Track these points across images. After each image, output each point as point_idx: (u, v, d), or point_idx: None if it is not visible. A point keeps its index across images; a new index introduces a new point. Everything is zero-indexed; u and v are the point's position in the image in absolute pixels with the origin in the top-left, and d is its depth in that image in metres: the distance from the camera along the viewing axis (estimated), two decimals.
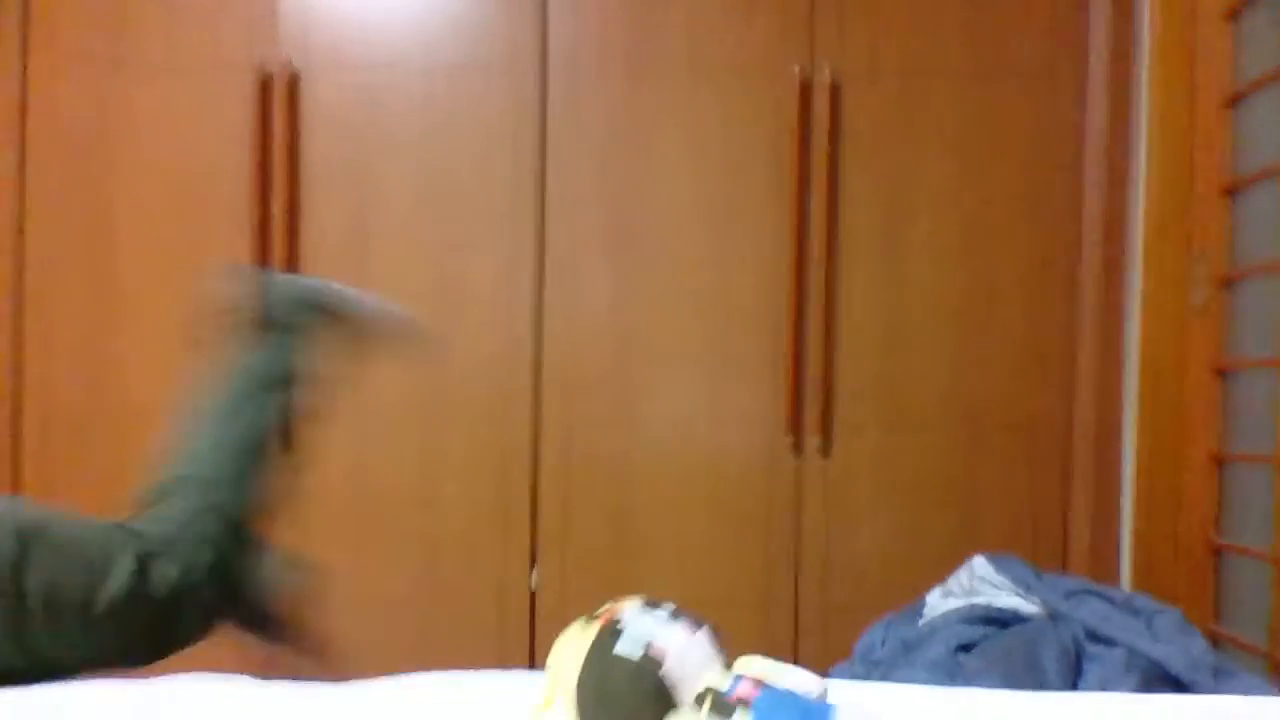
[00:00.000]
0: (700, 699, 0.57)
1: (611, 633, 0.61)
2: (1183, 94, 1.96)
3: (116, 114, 2.19)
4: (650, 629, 0.61)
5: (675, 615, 0.62)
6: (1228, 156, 1.94)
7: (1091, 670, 1.53)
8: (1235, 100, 1.92)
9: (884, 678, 1.55)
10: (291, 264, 2.16)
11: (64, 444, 2.20)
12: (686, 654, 0.60)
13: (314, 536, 2.18)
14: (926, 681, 1.51)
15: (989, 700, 0.73)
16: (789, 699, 0.56)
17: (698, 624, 0.61)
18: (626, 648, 0.60)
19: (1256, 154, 1.88)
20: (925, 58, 2.16)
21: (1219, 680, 1.47)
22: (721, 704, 0.56)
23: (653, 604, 0.63)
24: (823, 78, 2.13)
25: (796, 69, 2.13)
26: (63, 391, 2.20)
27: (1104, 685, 1.48)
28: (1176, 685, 1.47)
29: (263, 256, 2.15)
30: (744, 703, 0.56)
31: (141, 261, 2.19)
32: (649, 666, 0.59)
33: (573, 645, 0.62)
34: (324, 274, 2.17)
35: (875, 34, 2.15)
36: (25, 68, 2.19)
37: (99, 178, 2.19)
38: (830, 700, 0.57)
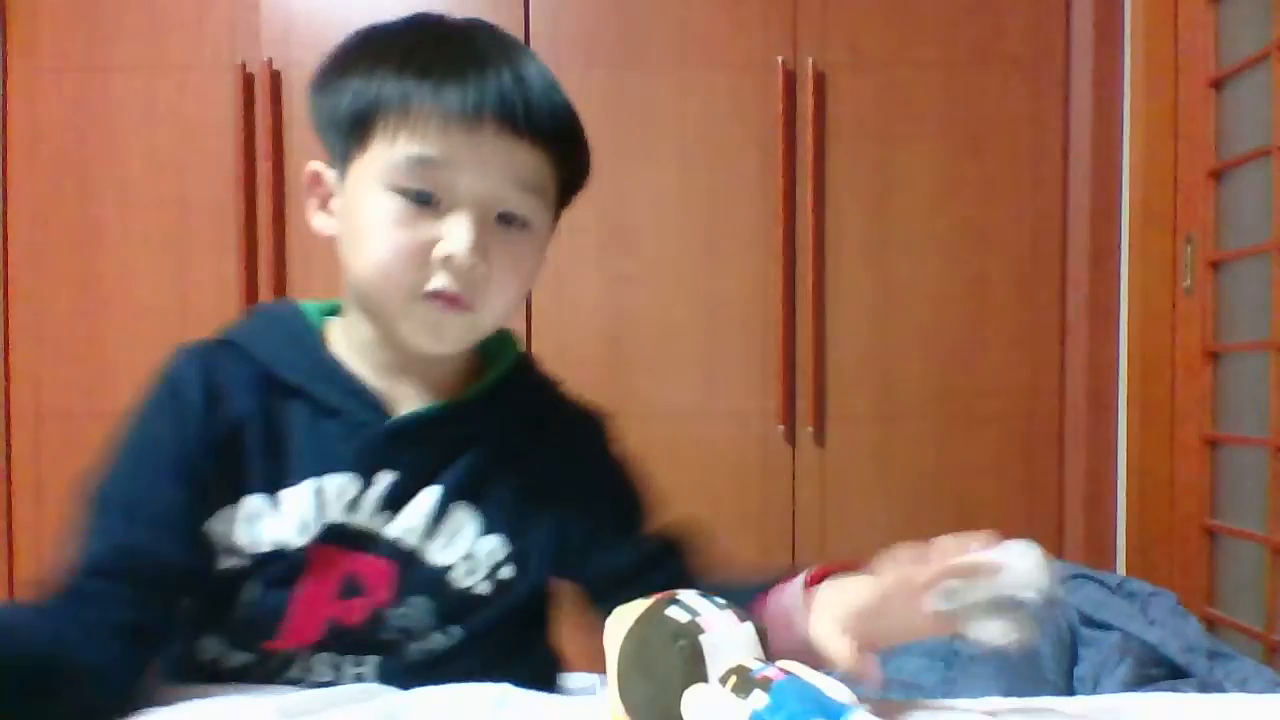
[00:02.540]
0: (727, 675, 0.59)
1: (668, 601, 0.64)
2: (1167, 77, 1.96)
3: (98, 114, 2.17)
4: (703, 605, 0.64)
5: (725, 606, 0.64)
6: (1213, 139, 1.94)
7: (1087, 655, 1.53)
8: (1220, 82, 1.92)
9: (881, 665, 1.55)
10: (279, 263, 2.15)
11: (53, 444, 2.19)
12: (728, 635, 0.62)
13: None
14: (923, 669, 1.51)
15: (1012, 709, 0.73)
16: (810, 690, 0.57)
17: (745, 617, 0.63)
18: (675, 611, 0.63)
19: (1242, 136, 1.88)
20: (909, 47, 2.15)
21: (1214, 663, 1.47)
22: (745, 681, 0.57)
23: (707, 595, 0.65)
24: (806, 68, 2.12)
25: (780, 59, 2.12)
26: (51, 392, 2.19)
27: (1099, 670, 1.48)
28: (1172, 669, 1.47)
29: (249, 255, 2.14)
30: (766, 683, 0.57)
31: (128, 261, 2.17)
32: (691, 629, 0.61)
33: (629, 611, 0.65)
34: (311, 272, 2.16)
35: (858, 23, 2.15)
36: (5, 69, 2.17)
37: (83, 178, 2.18)
38: (854, 705, 0.57)
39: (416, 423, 0.82)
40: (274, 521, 0.78)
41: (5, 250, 2.18)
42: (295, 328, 0.85)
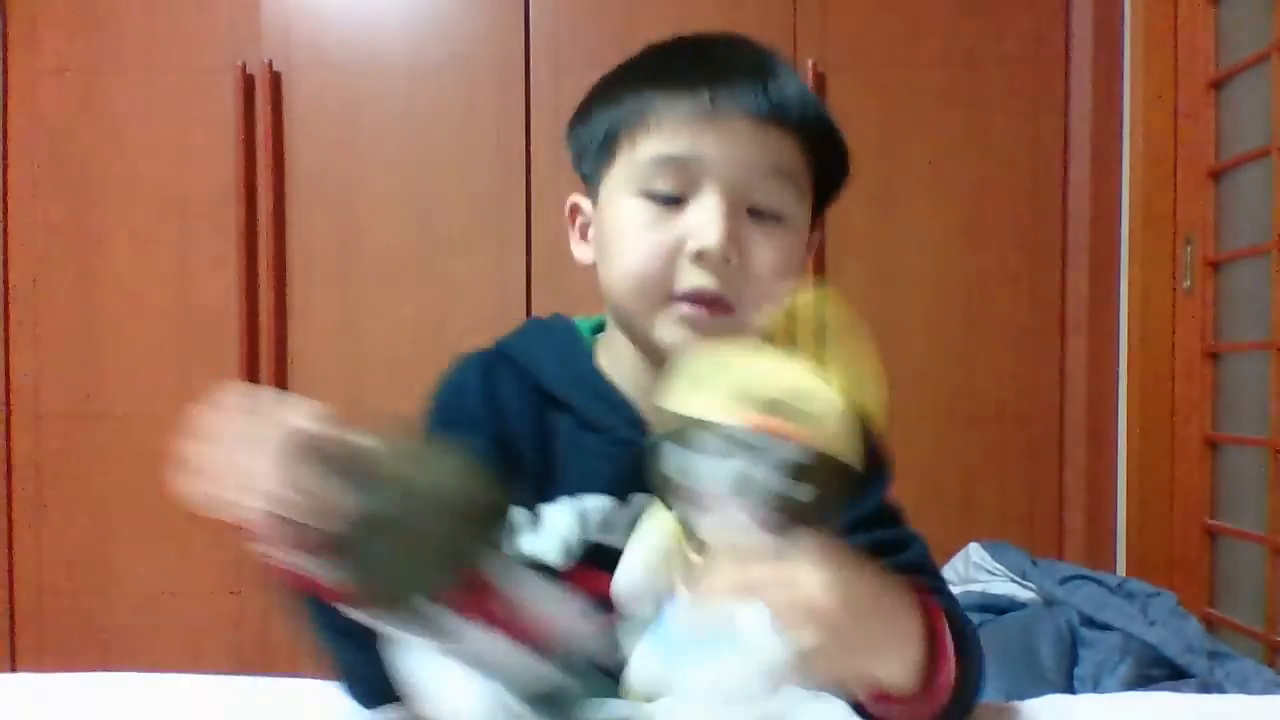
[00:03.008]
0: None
1: None
2: (1167, 77, 1.96)
3: (99, 116, 2.17)
4: None
5: None
6: (1213, 139, 1.94)
7: (1087, 656, 1.53)
8: (1220, 82, 1.92)
9: None
10: (279, 263, 2.15)
11: (53, 446, 2.19)
12: None
13: None
14: None
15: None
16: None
17: None
18: None
19: (1242, 136, 1.88)
20: (909, 47, 2.15)
21: (1214, 663, 1.47)
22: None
23: None
24: (806, 68, 2.12)
25: None
26: (51, 392, 2.19)
27: (1099, 670, 1.48)
28: (1172, 669, 1.47)
29: (249, 257, 2.14)
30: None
31: (128, 263, 2.17)
32: None
33: None
34: (311, 272, 2.16)
35: (858, 23, 2.15)
36: (5, 69, 2.17)
37: (83, 180, 2.18)
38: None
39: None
40: (533, 538, 0.77)
41: (5, 250, 2.18)
42: (566, 341, 0.85)
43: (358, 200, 2.17)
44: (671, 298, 0.74)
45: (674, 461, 0.55)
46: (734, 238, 0.73)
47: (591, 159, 0.80)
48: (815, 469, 0.53)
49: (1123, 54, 2.05)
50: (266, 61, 2.14)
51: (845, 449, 0.53)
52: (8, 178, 2.18)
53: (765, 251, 0.75)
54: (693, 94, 0.74)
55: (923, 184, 2.16)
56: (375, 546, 0.54)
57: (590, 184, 0.82)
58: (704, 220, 0.73)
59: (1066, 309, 2.15)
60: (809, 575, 0.55)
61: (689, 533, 0.58)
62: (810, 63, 2.12)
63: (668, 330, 0.76)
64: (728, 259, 0.73)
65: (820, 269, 2.15)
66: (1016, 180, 2.16)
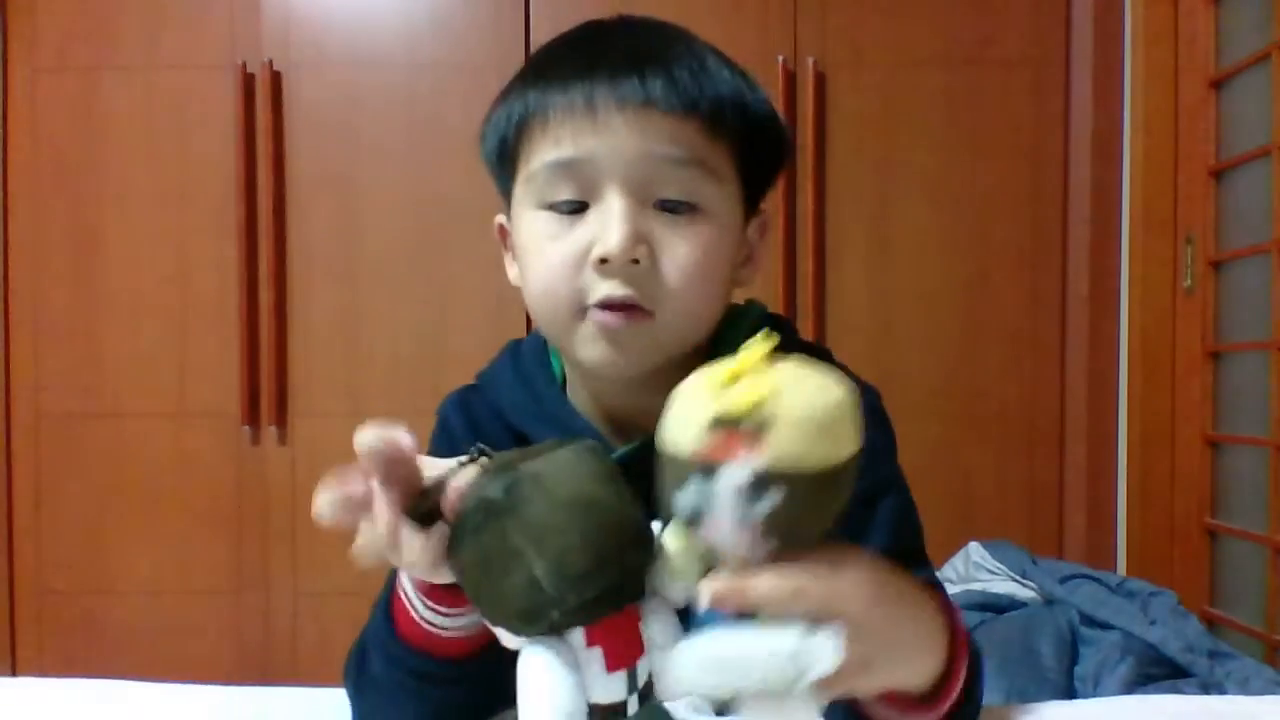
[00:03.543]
0: None
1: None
2: (1167, 77, 1.96)
3: (99, 116, 2.17)
4: None
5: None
6: (1213, 139, 1.94)
7: (1087, 655, 1.53)
8: (1220, 82, 1.92)
9: None
10: (279, 263, 2.15)
11: (53, 444, 2.19)
12: None
13: (311, 541, 2.17)
14: None
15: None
16: None
17: None
18: None
19: (1242, 136, 1.88)
20: (909, 47, 2.15)
21: (1214, 663, 1.47)
22: None
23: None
24: (806, 68, 2.12)
25: (780, 59, 2.12)
26: (51, 392, 2.18)
27: (1100, 670, 1.48)
28: (1172, 668, 1.47)
29: (250, 256, 2.14)
30: None
31: (128, 262, 2.17)
32: None
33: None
34: (311, 272, 2.16)
35: (858, 23, 2.15)
36: (5, 69, 2.17)
37: (83, 178, 2.18)
38: None
39: (624, 463, 0.65)
40: None
41: (5, 250, 2.18)
42: (531, 365, 0.82)
43: (358, 200, 2.17)
44: (585, 310, 0.70)
45: (666, 494, 0.54)
46: (640, 237, 0.69)
47: (495, 172, 0.78)
48: (768, 483, 0.50)
49: (1123, 54, 2.05)
50: (266, 61, 2.14)
51: (802, 453, 0.50)
52: (7, 177, 2.18)
53: (679, 246, 0.70)
54: (572, 93, 0.70)
55: (923, 183, 2.15)
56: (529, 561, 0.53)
57: (504, 198, 0.78)
58: (604, 223, 0.69)
59: (1066, 309, 2.15)
60: (833, 579, 0.52)
61: (707, 553, 0.56)
62: (810, 62, 2.12)
63: (587, 347, 0.72)
64: (635, 260, 0.68)
65: (820, 269, 2.15)
66: (1016, 180, 2.16)
